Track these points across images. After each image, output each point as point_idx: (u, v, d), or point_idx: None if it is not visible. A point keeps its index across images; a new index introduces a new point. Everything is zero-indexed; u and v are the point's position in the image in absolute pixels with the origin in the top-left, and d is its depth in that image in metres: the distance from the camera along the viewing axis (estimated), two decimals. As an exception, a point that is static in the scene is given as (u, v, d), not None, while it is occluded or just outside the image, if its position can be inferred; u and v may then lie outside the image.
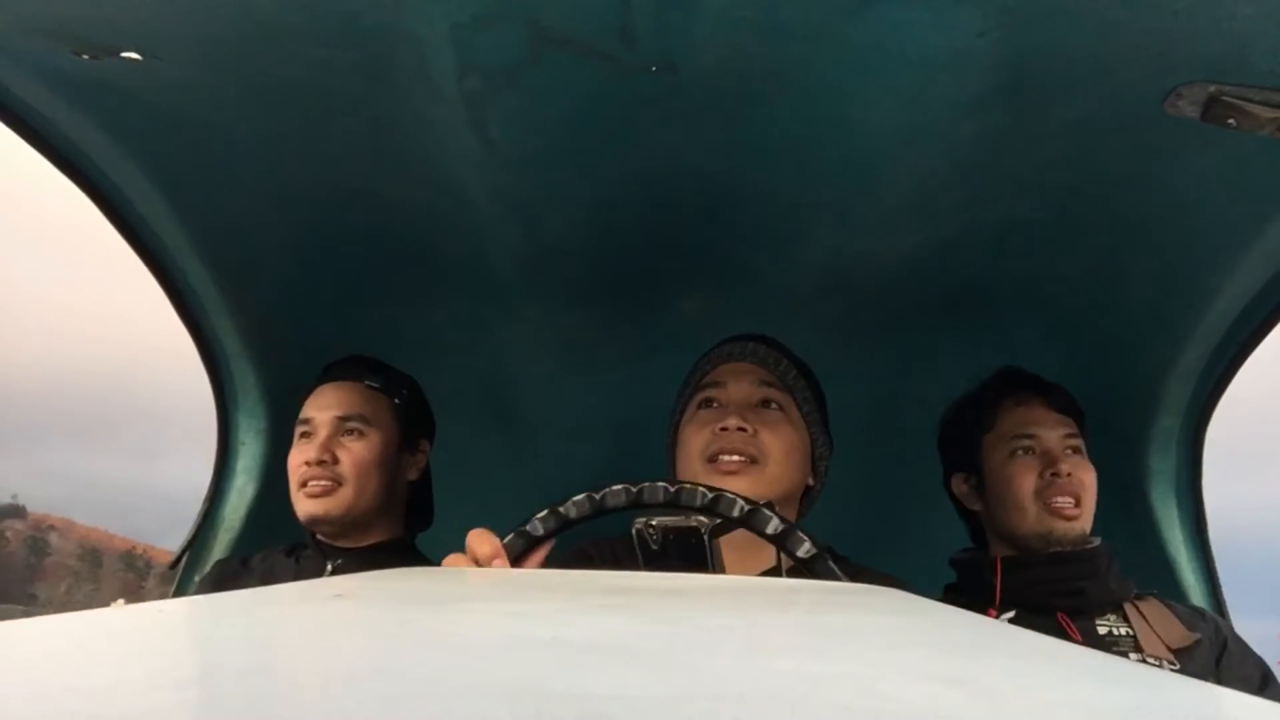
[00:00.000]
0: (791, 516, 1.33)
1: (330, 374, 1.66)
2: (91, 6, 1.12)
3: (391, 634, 0.48)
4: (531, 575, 0.91)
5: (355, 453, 1.59)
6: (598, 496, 1.00)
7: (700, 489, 1.01)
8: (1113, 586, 1.51)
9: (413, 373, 1.73)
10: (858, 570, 1.26)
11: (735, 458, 1.30)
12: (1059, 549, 1.51)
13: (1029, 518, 1.52)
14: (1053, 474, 1.52)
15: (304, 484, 1.59)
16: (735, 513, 0.99)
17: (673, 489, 1.00)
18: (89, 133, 1.37)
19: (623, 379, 1.96)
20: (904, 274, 1.67)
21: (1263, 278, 1.48)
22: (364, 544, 1.61)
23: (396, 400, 1.67)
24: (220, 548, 1.84)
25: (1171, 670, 1.38)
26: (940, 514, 1.94)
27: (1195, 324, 1.59)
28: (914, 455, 2.02)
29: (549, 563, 1.02)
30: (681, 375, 1.50)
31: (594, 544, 1.37)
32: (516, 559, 0.98)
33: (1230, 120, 1.11)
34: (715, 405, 1.38)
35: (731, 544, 1.03)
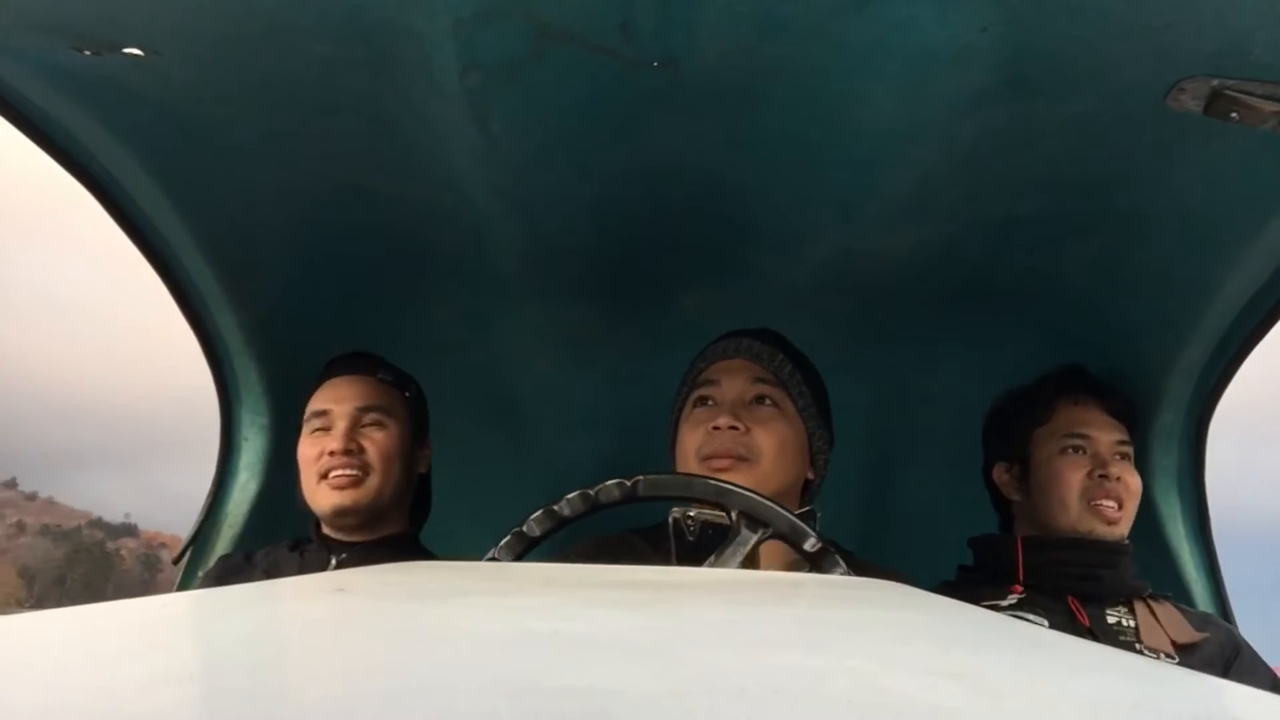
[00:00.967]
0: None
1: (337, 369, 1.66)
2: (94, 3, 1.11)
3: (394, 628, 0.48)
4: (533, 570, 0.91)
5: (379, 442, 1.58)
6: (592, 493, 1.01)
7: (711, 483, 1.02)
8: (1128, 581, 1.53)
9: (414, 369, 1.73)
10: (860, 564, 1.26)
11: (727, 459, 1.31)
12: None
13: (1071, 514, 1.54)
14: (1101, 475, 1.53)
15: (326, 475, 1.56)
16: (806, 546, 1.00)
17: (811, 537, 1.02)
18: (91, 129, 1.36)
19: (624, 376, 1.96)
20: (905, 270, 1.67)
21: (1264, 274, 1.47)
22: (369, 539, 1.61)
23: (407, 394, 1.67)
24: (223, 543, 1.84)
25: (1170, 664, 1.38)
26: (941, 507, 1.94)
27: (1197, 320, 1.58)
28: (916, 450, 2.02)
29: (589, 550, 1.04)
30: (683, 372, 1.50)
31: (636, 533, 1.38)
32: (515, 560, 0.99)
33: (1233, 114, 1.10)
34: (710, 403, 1.39)
35: None
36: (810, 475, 1.42)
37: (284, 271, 1.73)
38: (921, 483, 2.02)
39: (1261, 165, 1.25)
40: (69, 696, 0.31)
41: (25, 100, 1.31)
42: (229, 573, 1.68)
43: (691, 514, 1.00)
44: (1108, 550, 1.52)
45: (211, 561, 1.80)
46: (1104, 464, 1.53)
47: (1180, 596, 1.65)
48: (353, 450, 1.56)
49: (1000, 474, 1.65)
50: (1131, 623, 1.49)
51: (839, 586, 0.82)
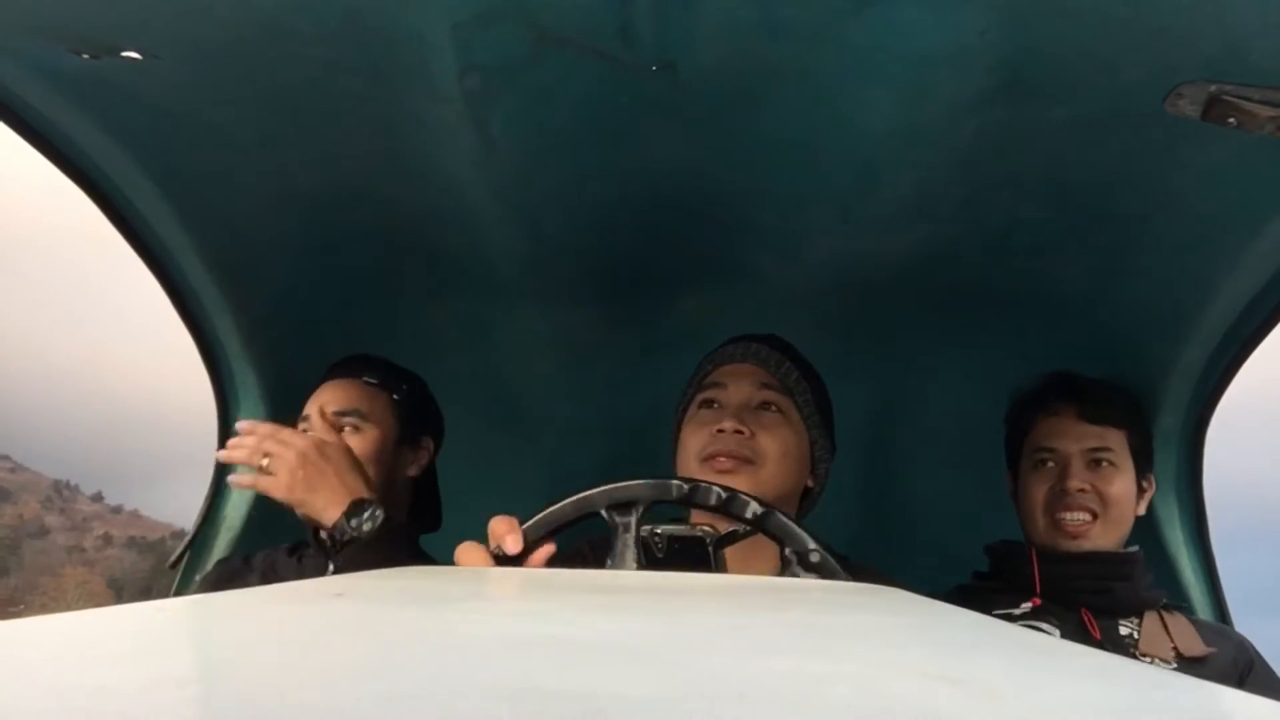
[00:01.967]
0: None
1: (330, 372, 1.66)
2: (92, 5, 1.11)
3: (392, 633, 0.48)
4: (532, 574, 0.91)
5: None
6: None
7: (715, 489, 1.02)
8: (1142, 594, 1.53)
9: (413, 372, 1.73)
10: (857, 569, 1.26)
11: (729, 461, 1.31)
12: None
13: (1039, 528, 1.55)
14: (1062, 489, 1.52)
15: None
16: (748, 514, 1.00)
17: (687, 486, 1.01)
18: (89, 132, 1.36)
19: (624, 378, 1.96)
20: (904, 272, 1.67)
21: (1263, 277, 1.47)
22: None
23: (395, 395, 1.66)
24: (221, 547, 1.84)
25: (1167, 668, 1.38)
26: (939, 512, 1.94)
27: (1195, 323, 1.59)
28: (914, 453, 2.02)
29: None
30: (683, 373, 1.50)
31: (589, 543, 1.37)
32: (535, 543, 0.99)
33: (1231, 119, 1.11)
34: (715, 406, 1.39)
35: (735, 547, 1.03)
36: (810, 483, 1.42)
37: (282, 275, 1.73)
38: (920, 485, 2.02)
39: (1261, 167, 1.25)
40: (65, 701, 0.31)
41: (23, 103, 1.31)
42: (227, 576, 1.67)
43: (659, 530, 0.99)
44: (1118, 562, 1.52)
45: (209, 565, 1.79)
46: (1066, 476, 1.53)
47: (1177, 601, 1.65)
48: None
49: (1009, 483, 1.67)
50: (1139, 634, 1.49)
51: (836, 592, 0.82)
